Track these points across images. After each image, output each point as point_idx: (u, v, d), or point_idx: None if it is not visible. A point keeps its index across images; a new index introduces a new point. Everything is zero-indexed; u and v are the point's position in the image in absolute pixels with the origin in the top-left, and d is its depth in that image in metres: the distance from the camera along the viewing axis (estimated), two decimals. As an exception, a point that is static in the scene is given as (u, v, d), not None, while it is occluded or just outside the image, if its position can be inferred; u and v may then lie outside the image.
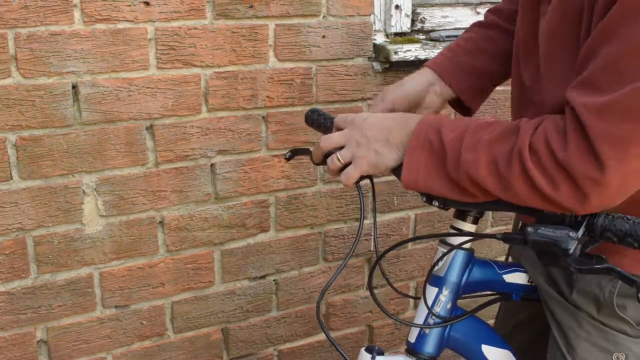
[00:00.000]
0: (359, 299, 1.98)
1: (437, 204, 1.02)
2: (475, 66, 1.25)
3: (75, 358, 1.63)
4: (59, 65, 1.44)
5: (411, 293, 2.05)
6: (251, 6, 1.60)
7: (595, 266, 0.90)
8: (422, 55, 1.79)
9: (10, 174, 1.46)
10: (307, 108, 1.73)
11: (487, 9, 1.38)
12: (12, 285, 1.52)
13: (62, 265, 1.56)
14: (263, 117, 1.69)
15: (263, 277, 1.82)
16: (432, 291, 1.13)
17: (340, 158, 1.04)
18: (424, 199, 1.03)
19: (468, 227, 1.12)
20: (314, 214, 1.83)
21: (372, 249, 1.22)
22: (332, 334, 1.96)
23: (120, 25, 1.48)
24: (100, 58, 1.48)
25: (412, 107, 1.25)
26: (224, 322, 1.80)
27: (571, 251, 0.87)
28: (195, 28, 1.56)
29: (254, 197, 1.74)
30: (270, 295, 1.84)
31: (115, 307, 1.65)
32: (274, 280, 1.84)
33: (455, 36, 1.90)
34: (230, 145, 1.67)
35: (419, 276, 2.05)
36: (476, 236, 1.08)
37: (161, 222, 1.64)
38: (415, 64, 1.83)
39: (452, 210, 1.13)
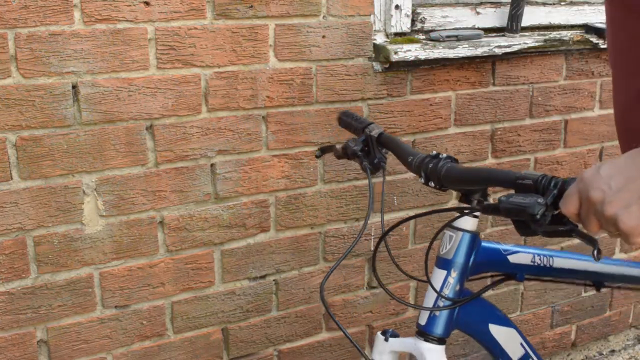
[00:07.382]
0: (359, 299, 1.98)
1: None
2: None
3: (75, 358, 1.63)
4: (59, 65, 1.44)
5: (412, 293, 2.06)
6: (251, 6, 1.60)
7: (559, 229, 0.91)
8: (422, 55, 1.79)
9: (10, 174, 1.46)
10: (307, 108, 1.75)
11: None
12: (12, 285, 1.52)
13: (62, 265, 1.56)
14: (263, 117, 1.69)
15: (263, 277, 1.82)
16: (440, 274, 1.17)
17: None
18: None
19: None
20: (314, 214, 1.83)
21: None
22: (332, 334, 1.97)
23: (120, 25, 1.48)
24: (100, 58, 1.48)
25: None
26: (224, 322, 1.80)
27: (538, 216, 0.88)
28: (195, 28, 1.56)
29: (254, 197, 1.74)
30: (270, 295, 1.85)
31: (115, 307, 1.65)
32: (274, 280, 1.84)
33: (456, 36, 1.90)
34: (230, 145, 1.67)
35: (419, 276, 2.04)
36: (457, 210, 1.12)
37: (161, 222, 1.64)
38: (416, 64, 1.84)
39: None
